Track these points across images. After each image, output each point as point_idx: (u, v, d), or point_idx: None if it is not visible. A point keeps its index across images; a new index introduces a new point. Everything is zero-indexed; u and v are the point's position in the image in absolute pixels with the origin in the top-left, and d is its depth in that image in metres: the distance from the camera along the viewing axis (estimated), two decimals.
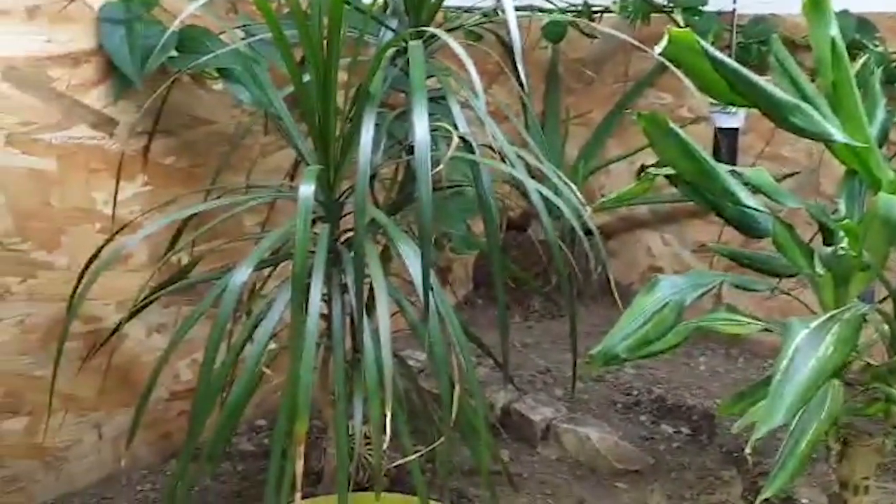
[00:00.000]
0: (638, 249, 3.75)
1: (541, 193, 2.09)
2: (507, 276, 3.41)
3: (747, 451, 1.52)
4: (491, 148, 2.28)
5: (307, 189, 1.80)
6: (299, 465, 1.74)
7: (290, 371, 1.77)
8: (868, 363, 1.91)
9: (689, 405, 2.87)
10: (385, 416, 1.76)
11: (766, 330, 2.04)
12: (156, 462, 2.51)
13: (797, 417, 1.66)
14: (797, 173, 3.22)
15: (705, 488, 2.40)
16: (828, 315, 1.70)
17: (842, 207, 1.93)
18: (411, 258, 1.92)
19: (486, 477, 2.13)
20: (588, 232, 2.22)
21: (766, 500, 2.33)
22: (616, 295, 2.18)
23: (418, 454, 2.01)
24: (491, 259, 2.20)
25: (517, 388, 2.66)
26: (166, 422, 2.53)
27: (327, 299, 2.09)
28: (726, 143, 3.03)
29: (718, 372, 3.19)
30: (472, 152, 2.05)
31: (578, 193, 2.10)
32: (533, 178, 2.09)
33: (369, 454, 2.42)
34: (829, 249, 1.73)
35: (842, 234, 1.72)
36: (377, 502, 2.09)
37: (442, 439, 2.02)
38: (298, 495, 1.75)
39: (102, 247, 2.10)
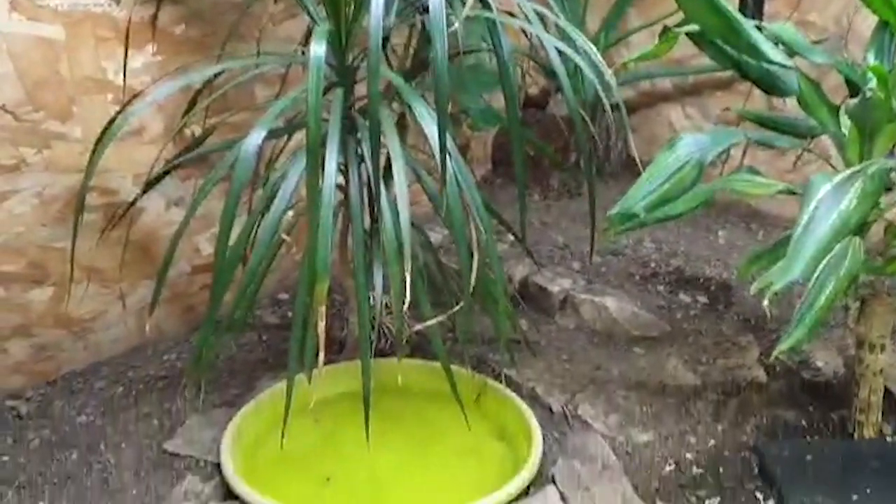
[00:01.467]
0: (659, 124, 3.68)
1: (560, 54, 2.04)
2: (527, 151, 3.38)
3: (765, 303, 1.51)
4: (511, 14, 2.22)
5: (318, 49, 1.76)
6: (321, 326, 1.77)
7: (308, 233, 1.78)
8: (890, 222, 1.89)
9: (706, 276, 2.87)
10: (405, 281, 1.77)
11: (789, 192, 2.01)
12: (181, 333, 2.56)
13: (817, 273, 1.64)
14: (825, 40, 3.11)
15: (721, 353, 2.42)
16: (852, 170, 1.67)
17: (871, 60, 1.87)
18: (427, 121, 1.89)
19: (506, 343, 2.17)
20: (610, 106, 2.17)
21: (782, 362, 2.39)
22: (640, 167, 2.15)
23: (438, 318, 2.04)
24: (511, 129, 2.17)
25: (535, 261, 2.66)
26: (189, 295, 2.57)
27: (344, 169, 2.08)
28: (752, 2, 2.93)
29: (738, 245, 3.17)
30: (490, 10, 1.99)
31: (600, 56, 2.04)
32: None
33: (390, 323, 2.45)
34: (857, 99, 1.67)
35: (870, 79, 1.66)
36: (399, 366, 2.15)
37: (461, 304, 2.03)
38: (322, 354, 1.78)
39: (115, 117, 2.09)
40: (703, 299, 2.74)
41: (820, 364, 2.34)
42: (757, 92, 3.32)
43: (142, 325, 2.43)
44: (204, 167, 2.45)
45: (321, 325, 1.77)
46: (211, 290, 2.00)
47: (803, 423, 2.12)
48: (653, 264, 2.95)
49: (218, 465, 1.97)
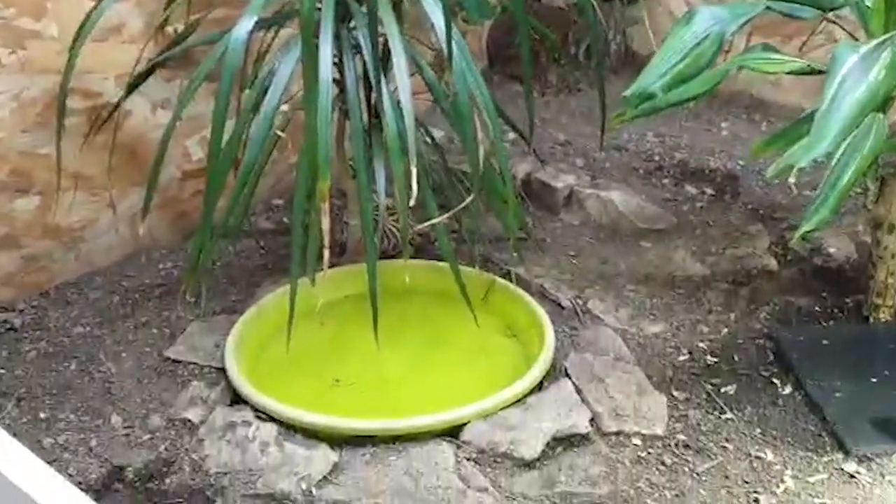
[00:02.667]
0: (660, 15, 3.53)
1: None
2: (531, 39, 3.23)
3: (791, 179, 1.44)
4: None
5: None
6: (325, 224, 1.69)
7: (305, 128, 1.68)
8: None
9: (711, 168, 2.80)
10: (410, 176, 1.69)
11: (805, 72, 1.92)
12: (175, 241, 2.49)
13: (840, 151, 1.57)
14: None
15: (731, 243, 2.37)
16: (878, 40, 1.58)
17: None
18: (430, 5, 1.78)
19: (514, 240, 2.11)
20: None
21: (793, 249, 2.34)
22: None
23: (444, 217, 1.97)
24: (517, 17, 2.06)
25: (539, 158, 2.58)
26: (181, 201, 2.49)
27: (338, 62, 1.97)
28: None
29: (741, 136, 3.09)
30: None
31: None
32: None
33: (393, 225, 2.38)
34: None
35: None
36: (405, 267, 2.08)
37: (468, 201, 1.96)
38: (327, 253, 1.72)
39: (91, 12, 1.97)
40: (709, 191, 2.67)
41: (832, 250, 2.29)
42: None
43: (134, 233, 2.36)
44: (189, 66, 2.32)
45: (325, 223, 1.69)
46: (205, 193, 1.92)
47: (817, 308, 2.09)
48: (657, 158, 2.87)
49: (222, 371, 1.93)
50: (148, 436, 1.77)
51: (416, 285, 2.13)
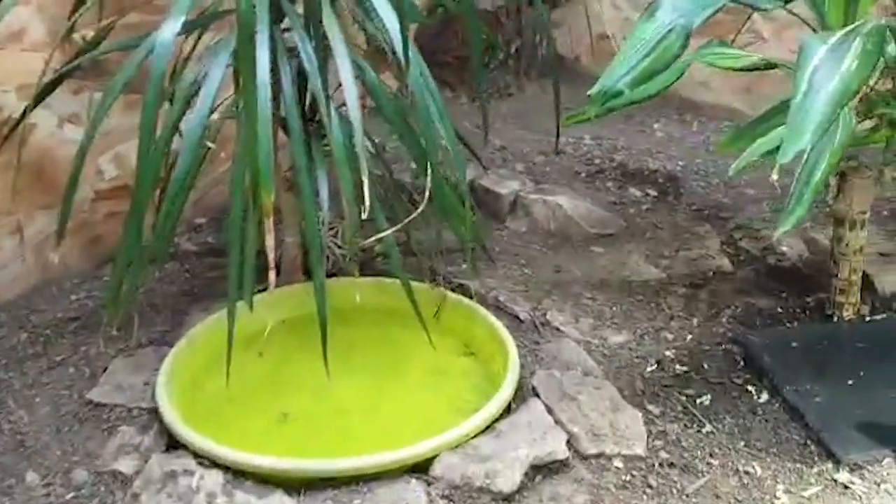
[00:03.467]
0: (584, 18, 3.48)
1: None
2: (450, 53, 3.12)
3: (773, 177, 1.36)
4: None
5: None
6: (270, 239, 1.53)
7: (244, 136, 1.52)
8: (871, 88, 1.77)
9: (651, 169, 2.75)
10: (361, 185, 1.54)
11: (760, 67, 1.87)
12: (88, 269, 2.26)
13: (809, 147, 1.51)
14: None
15: (682, 245, 2.30)
16: (845, 30, 1.52)
17: None
18: (381, 4, 1.64)
19: (471, 253, 1.99)
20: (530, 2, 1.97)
21: (746, 249, 2.29)
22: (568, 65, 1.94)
23: (394, 229, 1.82)
24: (467, 20, 1.95)
25: (482, 164, 2.46)
26: (94, 224, 2.26)
27: (272, 66, 1.81)
28: None
29: (675, 137, 3.06)
30: None
31: None
32: None
33: (332, 240, 2.22)
34: None
35: None
36: (353, 285, 1.93)
37: (421, 208, 1.82)
38: (273, 274, 1.55)
39: None
40: (652, 192, 2.61)
41: (784, 249, 2.25)
42: None
43: (43, 261, 2.12)
44: (100, 77, 2.12)
45: (270, 240, 1.53)
46: (128, 213, 1.73)
47: (779, 309, 2.03)
48: (597, 161, 2.80)
49: (154, 412, 1.73)
50: (72, 494, 1.55)
51: (362, 305, 1.99)
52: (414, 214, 1.80)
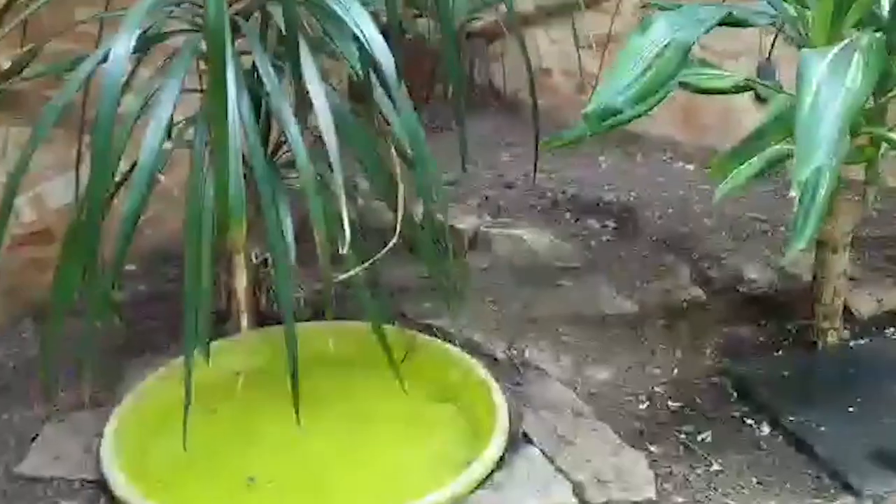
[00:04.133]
0: (521, 52, 3.42)
1: None
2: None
3: (792, 192, 1.28)
4: None
5: None
6: (241, 282, 1.35)
7: (216, 163, 1.35)
8: None
9: (606, 201, 2.67)
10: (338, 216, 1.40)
11: (742, 89, 1.82)
12: (4, 323, 2.01)
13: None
14: None
15: (651, 276, 2.22)
16: (841, 44, 1.47)
17: None
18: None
19: (454, 292, 1.85)
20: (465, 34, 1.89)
21: (716, 278, 2.23)
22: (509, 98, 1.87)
23: (361, 267, 1.67)
24: (447, 57, 1.84)
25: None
26: (12, 274, 2.02)
27: None
28: None
29: (622, 168, 3.01)
30: None
31: None
32: None
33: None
34: None
35: None
36: (317, 331, 1.77)
37: (391, 244, 1.67)
38: (246, 318, 1.37)
39: None
40: (611, 224, 2.54)
41: (753, 276, 2.19)
42: (626, 9, 3.18)
43: None
44: (16, 110, 1.91)
45: (242, 279, 1.35)
46: (60, 261, 1.53)
47: (761, 338, 1.96)
48: (549, 194, 2.71)
49: (100, 484, 1.51)
50: None
51: (321, 352, 1.83)
52: (383, 252, 1.65)
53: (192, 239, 1.50)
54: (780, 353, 1.91)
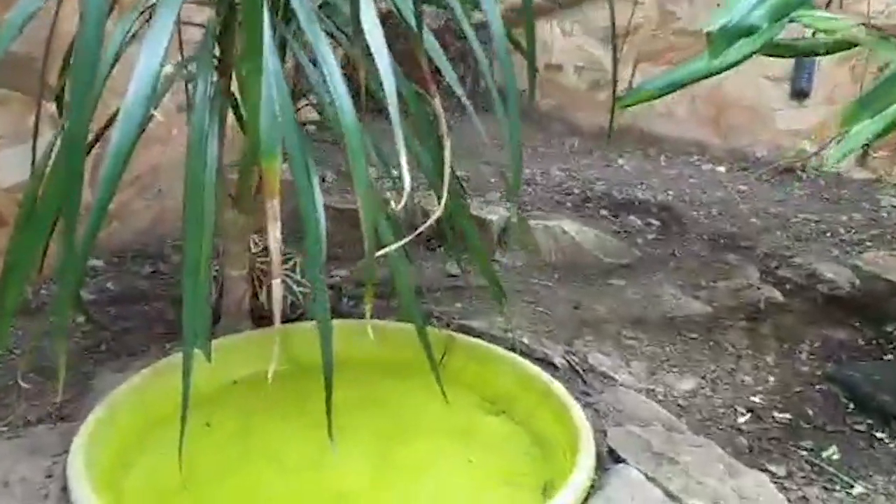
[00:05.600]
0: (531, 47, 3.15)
1: None
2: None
3: None
4: None
5: None
6: (275, 247, 1.00)
7: (247, 84, 1.00)
8: None
9: (641, 199, 2.38)
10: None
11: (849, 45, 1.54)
12: None
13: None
14: None
15: (716, 275, 1.92)
16: None
17: None
18: None
19: (497, 288, 1.51)
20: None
21: (789, 278, 1.94)
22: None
23: (400, 243, 1.32)
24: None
25: (464, 188, 2.01)
26: None
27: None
28: None
29: (647, 170, 2.73)
30: None
31: None
32: None
33: (289, 277, 1.69)
34: None
35: None
36: (350, 329, 1.44)
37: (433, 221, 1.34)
38: (279, 309, 1.01)
39: None
40: (653, 221, 2.24)
41: (830, 276, 1.91)
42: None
43: None
44: None
45: (275, 247, 1.00)
46: (9, 251, 1.18)
47: (860, 341, 1.67)
48: (576, 191, 2.41)
49: None
50: None
51: (344, 355, 1.48)
52: (417, 232, 1.31)
53: (193, 215, 1.14)
54: (891, 357, 1.61)
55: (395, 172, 2.05)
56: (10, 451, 1.26)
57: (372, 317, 1.28)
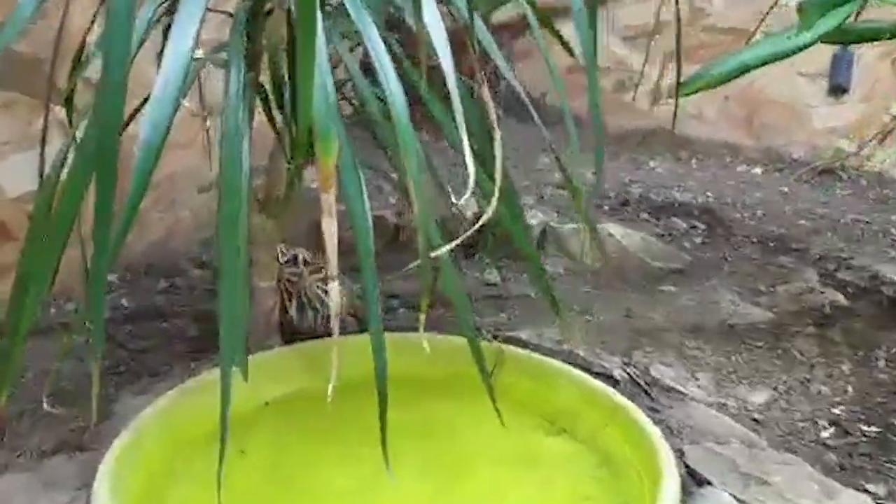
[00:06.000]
0: (551, 47, 3.04)
1: None
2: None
3: None
4: None
5: None
6: (331, 229, 0.87)
7: (299, 54, 0.87)
8: None
9: (681, 202, 2.27)
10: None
11: None
12: None
13: None
14: None
15: (774, 279, 1.80)
16: None
17: None
18: None
19: (554, 303, 1.38)
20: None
21: (851, 281, 1.82)
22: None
23: (458, 241, 1.20)
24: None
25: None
26: None
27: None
28: None
29: (680, 173, 2.62)
30: None
31: None
32: None
33: (320, 288, 1.57)
34: None
35: None
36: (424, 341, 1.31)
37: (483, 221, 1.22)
38: (336, 317, 0.89)
39: None
40: (699, 224, 2.12)
41: (894, 278, 1.79)
42: None
43: None
44: None
45: (331, 245, 0.87)
46: (23, 259, 1.07)
47: None
48: (611, 194, 2.29)
49: None
50: None
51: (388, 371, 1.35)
52: (470, 232, 1.18)
53: (228, 219, 1.02)
54: None
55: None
56: (24, 485, 1.14)
57: (423, 329, 1.16)
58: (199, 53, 1.06)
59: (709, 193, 2.34)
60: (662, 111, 2.93)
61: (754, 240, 2.04)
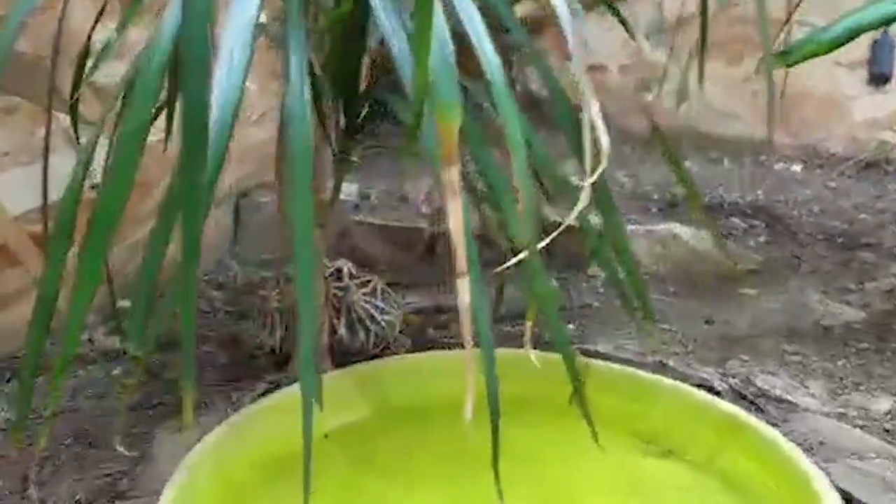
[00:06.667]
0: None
1: None
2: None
3: None
4: None
5: None
6: (458, 224, 0.71)
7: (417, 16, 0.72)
8: None
9: (730, 201, 2.13)
10: None
11: None
12: None
13: None
14: None
15: (859, 275, 1.66)
16: None
17: None
18: None
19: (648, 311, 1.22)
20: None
21: None
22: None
23: (544, 242, 1.04)
24: None
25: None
26: None
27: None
28: None
29: (717, 172, 2.48)
30: None
31: None
32: None
33: (369, 303, 1.40)
34: None
35: None
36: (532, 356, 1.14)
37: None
38: (465, 283, 0.73)
39: None
40: (757, 223, 1.98)
41: None
42: None
43: None
44: None
45: (458, 229, 0.71)
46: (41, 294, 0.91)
47: None
48: (654, 196, 2.15)
49: None
50: None
51: (446, 392, 1.19)
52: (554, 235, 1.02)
53: (303, 223, 0.85)
54: None
55: None
56: None
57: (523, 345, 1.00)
58: (263, 18, 0.89)
59: (758, 192, 2.20)
60: (689, 110, 2.81)
61: (819, 237, 1.90)
